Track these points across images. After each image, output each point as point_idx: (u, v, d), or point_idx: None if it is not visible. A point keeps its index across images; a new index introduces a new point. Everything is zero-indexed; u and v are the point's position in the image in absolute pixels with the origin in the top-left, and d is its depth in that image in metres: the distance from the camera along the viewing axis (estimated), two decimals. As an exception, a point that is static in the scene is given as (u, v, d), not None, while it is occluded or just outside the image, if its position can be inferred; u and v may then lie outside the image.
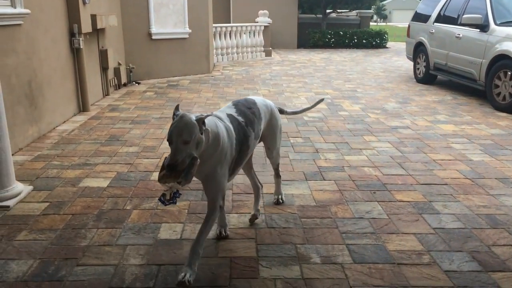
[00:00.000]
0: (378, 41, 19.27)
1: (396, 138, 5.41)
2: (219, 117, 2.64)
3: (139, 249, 2.82)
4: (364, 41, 19.09)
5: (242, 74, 10.69)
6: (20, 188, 3.61)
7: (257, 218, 3.21)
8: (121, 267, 2.62)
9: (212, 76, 10.23)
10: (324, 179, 4.05)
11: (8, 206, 3.39)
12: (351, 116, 6.53)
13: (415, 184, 3.95)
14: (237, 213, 3.36)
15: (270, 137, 3.20)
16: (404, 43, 11.24)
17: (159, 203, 2.44)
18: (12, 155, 3.94)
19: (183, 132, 2.27)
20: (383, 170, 4.29)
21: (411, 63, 10.55)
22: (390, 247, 2.88)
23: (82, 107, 6.56)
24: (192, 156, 2.28)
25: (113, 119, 6.18)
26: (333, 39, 19.02)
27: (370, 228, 3.12)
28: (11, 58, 4.69)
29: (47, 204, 3.47)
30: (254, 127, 2.86)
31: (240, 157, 2.74)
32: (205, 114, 2.41)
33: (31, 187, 3.76)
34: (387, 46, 19.73)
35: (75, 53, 6.40)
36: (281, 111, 3.40)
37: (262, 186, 3.38)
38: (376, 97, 8.04)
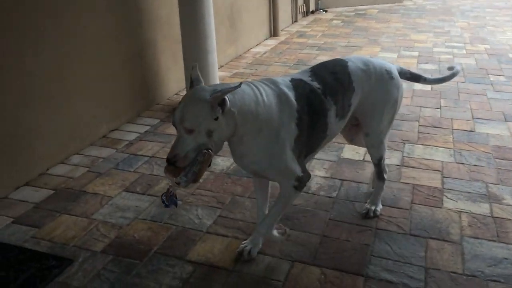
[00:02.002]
0: None
1: None
2: (273, 82, 1.92)
3: (324, 164, 2.99)
4: None
5: (437, 4, 9.76)
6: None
7: (370, 215, 2.42)
8: (307, 177, 2.83)
9: (403, 6, 9.58)
10: (528, 122, 3.61)
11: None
12: None
13: None
14: (422, 144, 3.26)
15: (370, 115, 2.23)
16: None
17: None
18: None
19: (185, 116, 1.66)
20: None
21: None
22: None
23: (273, 32, 6.90)
24: (200, 151, 1.68)
25: (301, 44, 6.37)
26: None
27: None
28: (218, -19, 5.12)
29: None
30: (337, 99, 2.04)
31: (311, 138, 1.98)
32: (230, 86, 1.68)
33: (230, 99, 4.21)
34: None
35: (271, -22, 6.66)
36: (415, 78, 2.41)
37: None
38: None
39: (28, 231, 2.38)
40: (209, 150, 1.70)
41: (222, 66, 5.29)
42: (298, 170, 1.93)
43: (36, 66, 2.83)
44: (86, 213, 2.53)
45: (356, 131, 2.43)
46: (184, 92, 4.17)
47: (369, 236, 2.29)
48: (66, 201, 2.64)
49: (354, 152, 3.15)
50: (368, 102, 2.19)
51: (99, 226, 2.43)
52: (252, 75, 5.01)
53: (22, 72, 2.75)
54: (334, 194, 2.64)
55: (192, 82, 1.79)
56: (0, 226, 2.42)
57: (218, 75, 4.11)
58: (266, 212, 2.19)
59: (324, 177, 2.83)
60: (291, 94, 1.91)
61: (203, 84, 1.80)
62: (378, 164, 2.38)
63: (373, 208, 2.42)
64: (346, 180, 2.80)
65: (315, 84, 2.01)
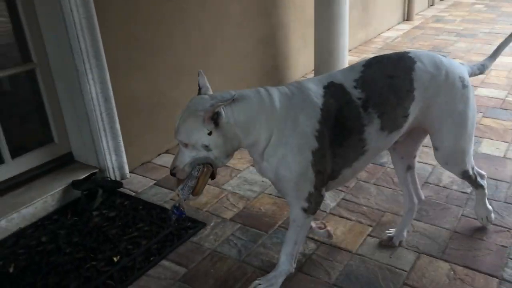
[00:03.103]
0: None
1: None
2: (299, 88, 1.69)
3: (458, 157, 2.82)
4: None
5: None
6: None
7: (395, 244, 2.11)
8: (439, 169, 2.69)
9: (561, -11, 8.43)
10: None
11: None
12: None
13: None
14: None
15: (437, 128, 1.85)
16: None
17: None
18: (346, 53, 4.36)
19: (179, 130, 1.59)
20: None
21: None
22: None
23: (407, 16, 6.56)
24: (195, 165, 1.61)
25: (437, 30, 5.98)
26: None
27: None
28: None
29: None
30: (383, 112, 1.70)
31: (341, 154, 1.71)
32: (224, 98, 1.57)
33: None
34: None
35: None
36: (482, 70, 1.99)
37: (420, 202, 2.16)
38: None
39: (168, 193, 2.64)
40: (208, 165, 1.62)
41: (351, 50, 5.20)
42: (309, 186, 1.70)
43: (183, 46, 3.07)
44: (217, 182, 2.72)
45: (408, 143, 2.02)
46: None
47: (507, 238, 2.12)
48: (200, 170, 2.86)
49: (494, 147, 2.90)
50: (433, 112, 1.80)
51: (228, 196, 2.59)
52: (381, 60, 4.85)
53: (171, 51, 3.00)
54: (468, 190, 2.48)
55: (200, 89, 1.71)
56: (145, 187, 2.71)
57: (347, 59, 4.06)
58: (415, 201, 2.12)
59: (458, 171, 2.67)
60: (316, 103, 1.65)
61: (210, 91, 1.70)
62: (465, 177, 2.02)
63: (483, 218, 2.17)
64: (492, 179, 2.59)
65: (356, 93, 1.68)
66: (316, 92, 1.68)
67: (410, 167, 2.07)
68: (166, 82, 3.03)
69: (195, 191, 1.63)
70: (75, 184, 2.58)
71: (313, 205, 1.74)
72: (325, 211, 2.38)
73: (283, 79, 4.18)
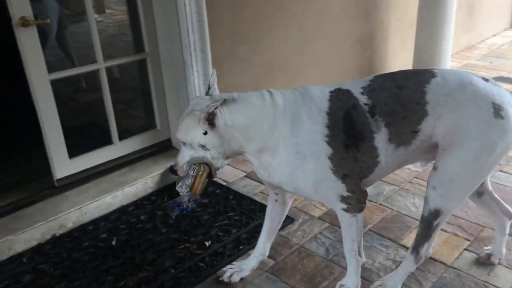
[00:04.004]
0: None
1: None
2: (303, 93, 1.64)
3: None
4: None
5: None
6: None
7: (494, 262, 1.97)
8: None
9: None
10: None
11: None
12: None
13: None
14: None
15: (448, 149, 1.61)
16: None
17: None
18: (447, 58, 4.16)
19: (178, 128, 1.62)
20: None
21: None
22: None
23: (516, 21, 6.10)
24: (191, 165, 1.61)
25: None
26: None
27: None
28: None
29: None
30: (390, 122, 1.59)
31: (358, 159, 1.62)
32: (217, 100, 1.55)
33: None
34: None
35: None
36: None
37: (511, 218, 1.94)
38: None
39: (257, 186, 2.70)
40: (204, 164, 1.61)
41: (453, 55, 4.93)
42: (342, 191, 1.63)
43: (282, 42, 3.13)
44: (306, 180, 2.73)
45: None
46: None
47: None
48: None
49: None
50: (447, 129, 1.59)
51: (317, 194, 2.59)
52: (485, 68, 4.56)
53: (271, 47, 3.07)
54: None
55: (209, 88, 1.72)
56: (236, 178, 2.80)
57: (449, 64, 3.87)
58: (266, 240, 1.99)
59: None
60: (322, 108, 1.60)
61: (216, 92, 1.70)
62: (428, 220, 1.68)
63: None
64: None
65: (363, 99, 1.61)
66: (321, 96, 1.63)
67: (480, 193, 1.88)
68: (263, 76, 3.10)
69: (193, 190, 1.62)
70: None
71: (355, 204, 1.66)
72: (418, 219, 2.30)
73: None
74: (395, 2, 3.92)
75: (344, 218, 1.71)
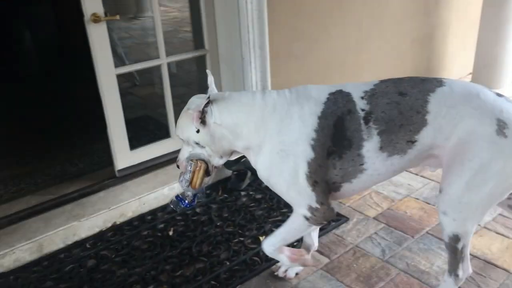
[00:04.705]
0: None
1: None
2: (299, 95, 1.64)
3: None
4: None
5: None
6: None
7: None
8: None
9: None
10: None
11: None
12: None
13: None
14: None
15: (449, 162, 1.54)
16: None
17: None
18: None
19: (177, 125, 1.72)
20: None
21: None
22: None
23: None
24: (190, 162, 1.68)
25: None
26: None
27: None
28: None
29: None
30: (384, 130, 1.54)
31: (341, 167, 1.59)
32: (213, 96, 1.65)
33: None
34: None
35: None
36: None
37: None
38: None
39: (311, 184, 2.70)
40: (201, 161, 1.67)
41: (515, 55, 4.73)
42: (310, 199, 1.62)
43: (339, 40, 3.10)
44: (360, 180, 2.70)
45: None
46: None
47: None
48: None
49: None
50: (452, 150, 1.51)
51: (372, 194, 2.56)
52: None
53: (327, 45, 3.05)
54: None
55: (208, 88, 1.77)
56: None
57: (513, 66, 3.71)
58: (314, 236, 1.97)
59: None
60: (315, 110, 1.58)
61: (214, 91, 1.76)
62: (450, 245, 1.61)
63: None
64: None
65: (361, 104, 1.56)
66: (318, 99, 1.60)
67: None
68: (318, 75, 3.09)
69: (192, 184, 1.69)
70: (227, 164, 2.77)
71: (318, 218, 1.66)
72: (478, 225, 2.23)
73: (435, 82, 3.96)
74: (456, 0, 3.79)
75: (298, 221, 1.70)
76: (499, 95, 1.53)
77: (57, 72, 4.89)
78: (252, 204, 2.53)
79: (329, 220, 1.71)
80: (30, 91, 4.49)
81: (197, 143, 1.66)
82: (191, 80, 3.93)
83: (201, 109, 1.58)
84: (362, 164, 1.59)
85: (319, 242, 2.18)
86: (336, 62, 3.13)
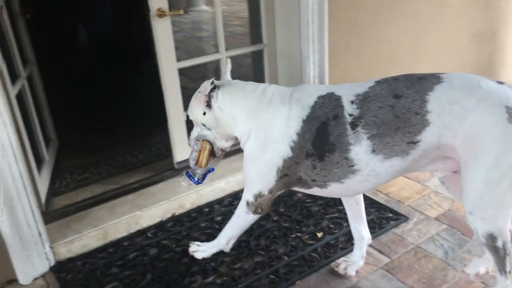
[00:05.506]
0: None
1: None
2: (293, 97, 1.67)
3: None
4: None
5: None
6: None
7: None
8: None
9: None
10: None
11: None
12: None
13: None
14: None
15: (465, 166, 1.47)
16: None
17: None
18: None
19: (189, 106, 1.82)
20: None
21: None
22: None
23: None
24: (196, 141, 1.79)
25: None
26: None
27: None
28: None
29: None
30: (375, 134, 1.51)
31: (322, 168, 1.60)
32: (222, 83, 1.76)
33: None
34: None
35: None
36: None
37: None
38: None
39: (367, 181, 2.66)
40: (206, 141, 1.77)
41: None
42: (266, 187, 1.70)
43: (397, 35, 3.04)
44: (418, 178, 2.64)
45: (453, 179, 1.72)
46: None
47: None
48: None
49: None
50: (459, 143, 1.45)
51: (431, 194, 2.50)
52: None
53: (386, 40, 2.99)
54: None
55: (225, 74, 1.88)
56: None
57: None
58: (356, 224, 1.98)
59: None
60: (301, 114, 1.61)
61: (227, 77, 1.85)
62: (489, 245, 1.54)
63: None
64: None
65: (350, 109, 1.54)
66: (306, 102, 1.63)
67: None
68: (376, 70, 3.03)
69: (198, 163, 1.79)
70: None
71: (257, 205, 1.74)
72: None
73: (496, 79, 3.81)
74: (521, -7, 3.62)
75: (240, 208, 1.79)
76: (500, 82, 1.50)
77: (116, 66, 5.02)
78: (308, 200, 2.52)
79: (264, 212, 1.77)
80: (92, 85, 4.63)
81: (203, 125, 1.77)
82: (243, 74, 3.94)
83: (206, 93, 1.69)
84: (352, 166, 1.58)
85: (378, 240, 2.17)
86: (394, 57, 3.07)
